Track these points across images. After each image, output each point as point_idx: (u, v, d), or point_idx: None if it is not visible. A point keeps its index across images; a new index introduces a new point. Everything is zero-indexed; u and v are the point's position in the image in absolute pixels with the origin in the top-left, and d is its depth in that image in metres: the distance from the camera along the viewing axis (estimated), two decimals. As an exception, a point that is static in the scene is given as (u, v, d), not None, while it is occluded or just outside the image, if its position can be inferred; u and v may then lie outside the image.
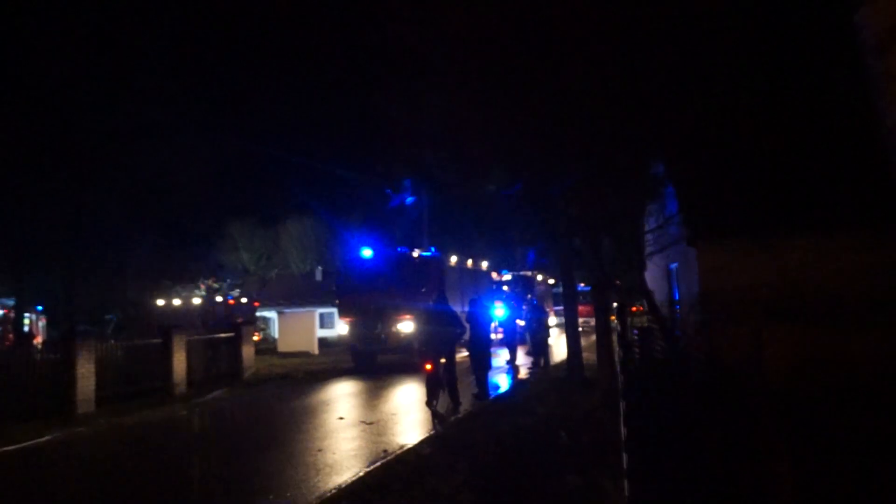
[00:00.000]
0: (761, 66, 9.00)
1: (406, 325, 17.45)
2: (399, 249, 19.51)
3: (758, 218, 8.66)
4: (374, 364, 18.04)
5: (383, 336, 17.77)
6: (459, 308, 14.51)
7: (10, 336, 26.15)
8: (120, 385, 12.52)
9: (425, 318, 11.59)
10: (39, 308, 30.92)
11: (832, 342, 6.05)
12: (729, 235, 9.09)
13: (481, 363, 12.39)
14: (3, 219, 24.25)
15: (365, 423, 10.11)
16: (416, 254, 18.80)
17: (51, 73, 23.99)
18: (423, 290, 17.02)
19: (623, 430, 3.99)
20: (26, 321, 27.98)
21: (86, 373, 11.57)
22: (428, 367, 10.80)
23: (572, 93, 8.41)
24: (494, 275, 26.22)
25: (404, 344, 17.38)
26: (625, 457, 3.97)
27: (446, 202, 25.23)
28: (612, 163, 9.31)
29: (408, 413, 11.12)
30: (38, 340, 25.75)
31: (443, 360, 10.99)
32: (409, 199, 24.48)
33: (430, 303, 12.27)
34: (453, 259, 21.27)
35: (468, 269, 22.68)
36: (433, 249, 19.92)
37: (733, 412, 4.25)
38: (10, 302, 27.59)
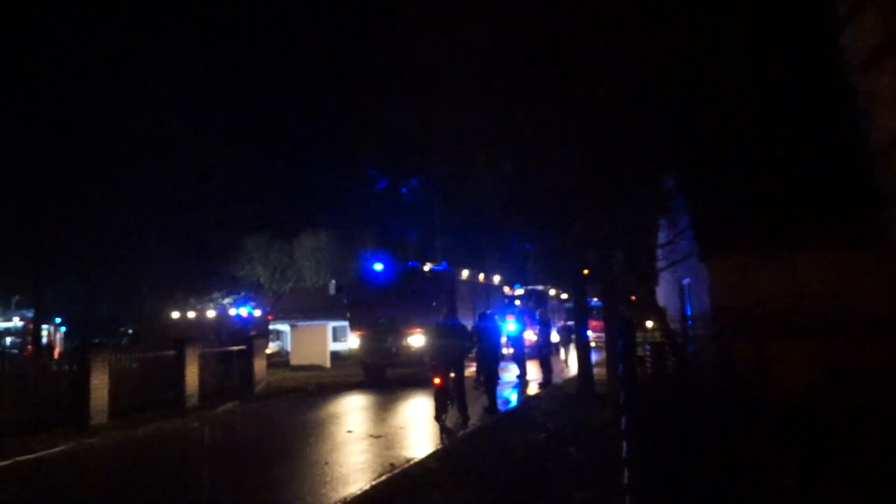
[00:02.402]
0: (772, 82, 8.99)
1: (416, 339, 17.45)
2: (410, 263, 19.57)
3: (768, 234, 8.62)
4: (384, 378, 18.04)
5: (394, 350, 17.78)
6: (471, 322, 14.50)
7: (30, 347, 26.52)
8: (133, 397, 12.64)
9: (435, 333, 11.61)
10: (58, 320, 31.37)
11: (835, 358, 5.99)
12: (740, 251, 9.05)
13: (491, 377, 12.38)
14: (24, 232, 24.72)
15: (373, 436, 10.11)
16: (427, 268, 18.84)
17: (71, 87, 24.56)
18: (434, 304, 17.03)
19: (624, 444, 3.99)
20: (44, 333, 28.37)
21: (99, 384, 11.68)
22: (437, 381, 10.81)
23: (584, 106, 8.45)
24: (507, 289, 26.15)
25: (414, 358, 17.37)
26: (626, 471, 3.97)
27: (459, 216, 25.30)
28: (624, 176, 9.33)
29: (416, 427, 11.10)
30: (58, 352, 26.11)
31: (452, 375, 10.99)
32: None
33: (441, 317, 12.29)
34: (465, 273, 21.26)
35: (480, 284, 22.65)
36: (444, 263, 19.94)
37: (738, 427, 4.22)
38: (30, 314, 28.04)
